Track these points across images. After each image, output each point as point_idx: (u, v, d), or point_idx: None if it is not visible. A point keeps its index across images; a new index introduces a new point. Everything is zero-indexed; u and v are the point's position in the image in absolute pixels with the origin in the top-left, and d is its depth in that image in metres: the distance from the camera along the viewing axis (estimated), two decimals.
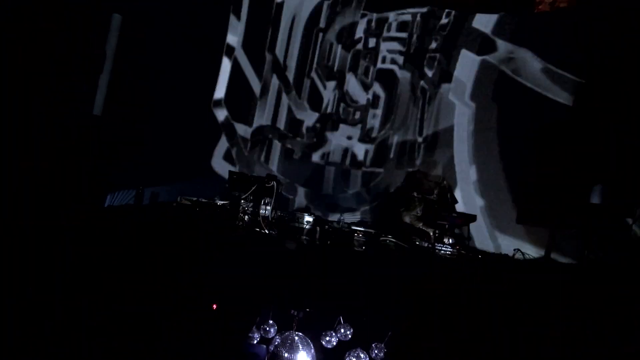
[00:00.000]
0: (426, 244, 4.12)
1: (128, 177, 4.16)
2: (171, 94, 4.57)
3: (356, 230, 4.32)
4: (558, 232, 4.19)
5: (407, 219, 4.71)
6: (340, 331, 3.42)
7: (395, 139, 5.34)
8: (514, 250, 4.14)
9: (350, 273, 3.42)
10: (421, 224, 4.49)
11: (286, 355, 3.22)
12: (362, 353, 3.41)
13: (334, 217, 5.05)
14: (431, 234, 4.36)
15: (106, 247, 2.80)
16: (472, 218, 4.14)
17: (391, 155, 5.37)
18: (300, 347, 3.26)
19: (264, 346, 3.21)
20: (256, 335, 3.30)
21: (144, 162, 4.26)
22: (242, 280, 3.09)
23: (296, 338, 3.29)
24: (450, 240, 4.17)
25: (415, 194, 4.67)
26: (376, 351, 3.33)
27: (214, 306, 2.85)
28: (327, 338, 3.40)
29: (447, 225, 4.17)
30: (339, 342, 3.43)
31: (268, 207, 3.77)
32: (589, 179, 3.79)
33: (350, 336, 3.44)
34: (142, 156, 4.28)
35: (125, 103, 4.08)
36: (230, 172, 4.12)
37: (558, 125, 4.26)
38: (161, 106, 4.52)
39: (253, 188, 3.76)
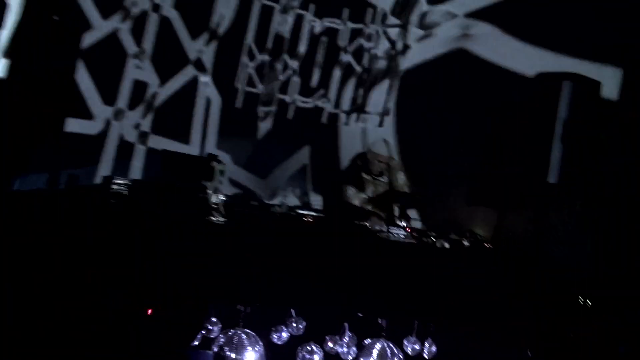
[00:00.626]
0: (378, 228, 3.89)
1: (42, 156, 3.60)
2: None
3: (303, 215, 4.02)
4: (511, 214, 4.13)
5: (356, 202, 4.45)
6: (292, 325, 3.12)
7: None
8: (466, 232, 4.00)
9: (301, 263, 3.12)
10: (371, 207, 4.26)
11: (232, 355, 2.89)
12: (315, 346, 3.15)
13: (277, 201, 4.73)
14: (382, 216, 4.14)
15: (11, 239, 2.32)
16: (423, 199, 3.97)
17: None
18: (248, 345, 2.94)
19: (210, 352, 2.86)
20: (198, 336, 2.94)
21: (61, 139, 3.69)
22: (183, 277, 2.72)
23: (243, 336, 2.95)
24: (403, 223, 3.96)
25: (364, 175, 4.43)
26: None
27: (149, 311, 2.45)
28: (278, 333, 3.10)
29: (399, 207, 3.96)
30: (291, 337, 3.14)
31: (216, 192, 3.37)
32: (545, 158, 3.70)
33: (303, 330, 3.16)
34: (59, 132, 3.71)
35: None
36: (164, 151, 3.67)
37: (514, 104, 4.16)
38: None
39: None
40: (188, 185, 3.33)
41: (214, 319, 3.02)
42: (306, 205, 4.57)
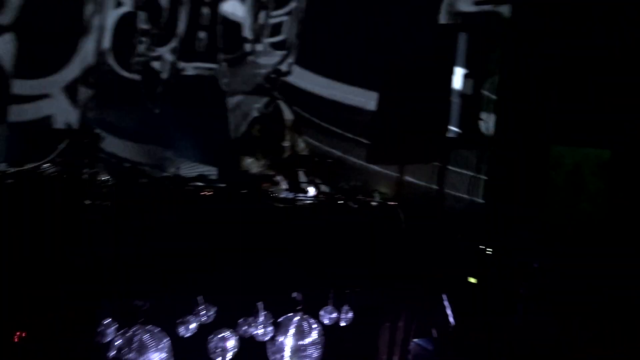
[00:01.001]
0: (285, 194, 3.65)
1: None
2: None
3: (199, 188, 3.63)
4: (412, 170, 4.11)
5: (254, 169, 4.17)
6: (201, 313, 2.82)
7: None
8: (373, 192, 3.92)
9: (202, 242, 2.79)
10: (273, 173, 4.00)
11: (134, 358, 2.52)
12: (227, 332, 2.89)
13: (170, 174, 4.28)
14: (285, 181, 3.90)
15: None
16: (328, 162, 3.80)
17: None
18: (151, 345, 2.59)
19: None
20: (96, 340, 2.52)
21: None
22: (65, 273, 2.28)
23: (144, 334, 2.59)
24: (310, 188, 3.76)
25: (262, 140, 4.14)
26: None
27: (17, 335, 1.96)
28: (185, 325, 2.78)
29: (304, 172, 3.74)
30: (201, 326, 2.84)
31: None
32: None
33: (213, 317, 2.87)
34: None
35: None
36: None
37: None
38: None
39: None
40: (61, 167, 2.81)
41: (106, 320, 2.62)
42: (202, 178, 4.17)
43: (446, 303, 3.33)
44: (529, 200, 3.67)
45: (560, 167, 3.84)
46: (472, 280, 3.42)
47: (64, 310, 2.43)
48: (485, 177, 4.04)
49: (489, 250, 3.48)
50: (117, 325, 2.62)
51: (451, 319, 3.32)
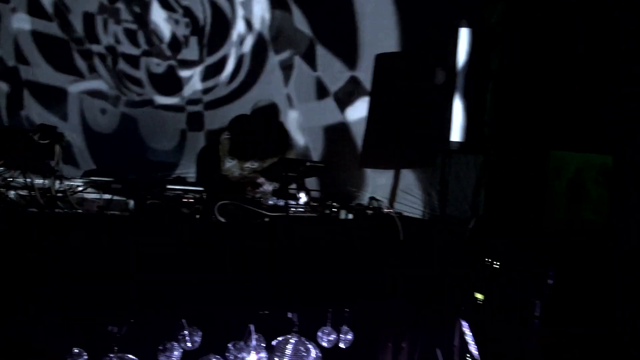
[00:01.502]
0: (273, 201, 3.32)
1: None
2: None
3: (180, 194, 3.24)
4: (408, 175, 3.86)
5: (235, 173, 3.82)
6: (186, 339, 2.46)
7: None
8: (369, 199, 3.64)
9: (185, 258, 2.45)
10: (261, 179, 3.66)
11: None
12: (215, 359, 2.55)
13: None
14: (271, 188, 3.57)
15: None
16: (322, 167, 3.49)
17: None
18: None
19: None
20: None
21: None
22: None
23: None
24: (302, 196, 3.44)
25: (246, 141, 3.79)
26: None
27: None
28: (168, 353, 2.42)
29: (293, 177, 3.41)
30: (185, 353, 2.49)
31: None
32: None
33: (199, 342, 2.52)
34: None
35: None
36: None
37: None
38: None
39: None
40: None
41: (75, 350, 2.24)
42: (180, 180, 3.78)
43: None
44: (529, 208, 3.47)
45: (561, 173, 3.67)
46: (479, 296, 3.17)
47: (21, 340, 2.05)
48: (486, 185, 3.83)
49: (496, 264, 3.24)
50: (86, 357, 2.24)
51: None
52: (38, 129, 2.57)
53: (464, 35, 3.41)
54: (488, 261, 3.31)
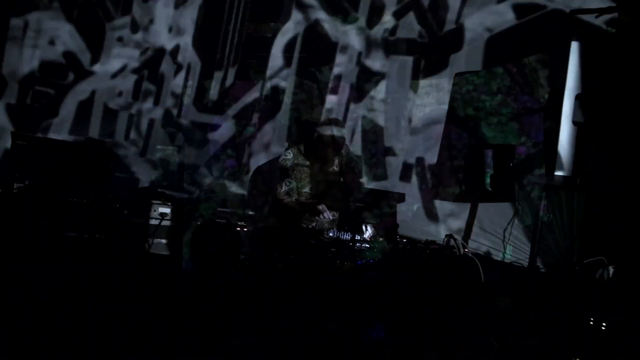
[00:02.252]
0: (335, 234, 2.88)
1: None
2: None
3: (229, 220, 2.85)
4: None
5: (292, 199, 3.34)
6: None
7: None
8: (445, 236, 3.15)
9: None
10: (322, 206, 3.19)
11: None
12: None
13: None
14: (330, 217, 3.11)
15: None
16: (400, 197, 3.03)
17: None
18: None
19: None
20: None
21: None
22: None
23: None
24: (369, 229, 2.98)
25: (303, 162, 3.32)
26: None
27: None
28: None
29: (364, 208, 2.95)
30: None
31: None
32: None
33: None
34: None
35: None
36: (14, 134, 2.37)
37: None
38: None
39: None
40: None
41: None
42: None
43: None
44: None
45: None
46: None
47: None
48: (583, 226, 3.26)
49: (603, 326, 2.69)
50: None
51: None
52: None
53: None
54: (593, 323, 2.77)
